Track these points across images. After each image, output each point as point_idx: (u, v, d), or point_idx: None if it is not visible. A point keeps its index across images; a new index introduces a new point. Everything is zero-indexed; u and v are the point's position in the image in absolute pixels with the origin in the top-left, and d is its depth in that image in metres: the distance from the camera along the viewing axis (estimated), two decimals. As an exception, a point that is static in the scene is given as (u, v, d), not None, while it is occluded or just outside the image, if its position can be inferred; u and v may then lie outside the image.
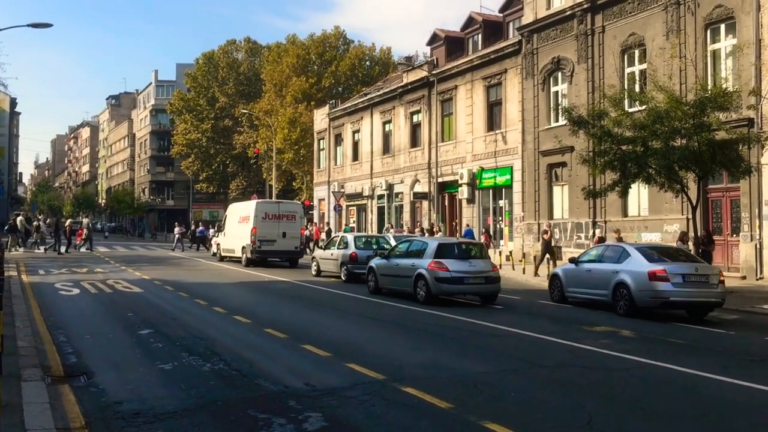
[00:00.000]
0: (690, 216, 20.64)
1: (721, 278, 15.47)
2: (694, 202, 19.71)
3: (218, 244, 34.69)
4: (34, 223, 42.19)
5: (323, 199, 50.87)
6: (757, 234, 21.82)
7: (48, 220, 40.82)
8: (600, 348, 11.24)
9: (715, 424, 7.19)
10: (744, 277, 21.81)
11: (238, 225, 31.06)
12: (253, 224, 29.32)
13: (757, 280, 21.31)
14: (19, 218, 40.32)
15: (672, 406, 7.83)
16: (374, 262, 19.69)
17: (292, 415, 7.16)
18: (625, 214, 27.00)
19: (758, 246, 21.80)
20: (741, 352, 11.11)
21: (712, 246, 20.52)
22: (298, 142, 55.30)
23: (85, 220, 44.25)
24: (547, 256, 25.50)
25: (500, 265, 27.61)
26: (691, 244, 20.25)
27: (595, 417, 7.20)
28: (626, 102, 21.76)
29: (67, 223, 42.48)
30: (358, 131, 46.68)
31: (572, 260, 18.11)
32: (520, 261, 27.07)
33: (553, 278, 18.46)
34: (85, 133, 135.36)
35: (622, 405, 7.94)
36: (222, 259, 33.14)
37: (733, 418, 7.37)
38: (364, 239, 24.83)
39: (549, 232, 26.80)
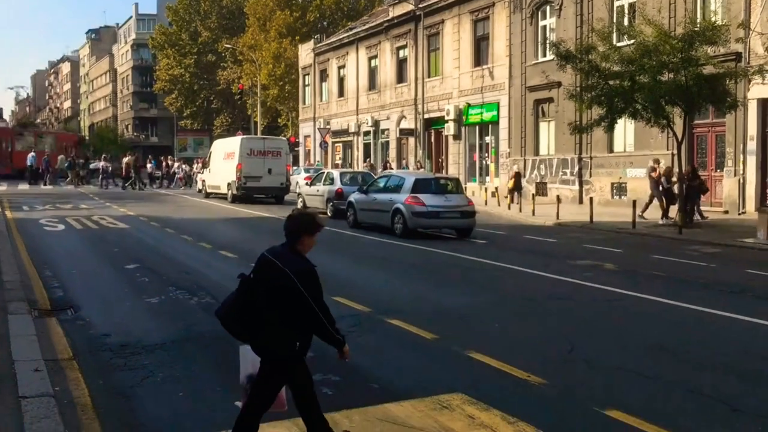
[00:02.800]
0: (675, 151, 20.68)
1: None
2: (680, 138, 19.71)
3: (203, 181, 34.53)
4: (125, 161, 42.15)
5: (309, 136, 50.50)
6: (741, 169, 21.96)
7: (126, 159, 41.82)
8: (584, 281, 11.39)
9: (693, 352, 7.36)
10: (726, 212, 22.04)
11: (224, 161, 30.83)
12: (238, 161, 29.10)
13: (739, 214, 21.54)
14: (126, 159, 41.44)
15: (652, 336, 7.99)
16: (353, 197, 20.00)
17: (279, 346, 7.24)
18: (610, 150, 27.03)
19: (741, 181, 21.97)
20: (722, 284, 11.30)
21: (696, 181, 20.62)
22: (283, 77, 54.53)
23: (126, 159, 44.20)
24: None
25: (486, 201, 27.83)
26: (675, 179, 20.34)
27: (577, 346, 7.35)
28: (614, 36, 21.48)
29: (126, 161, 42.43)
30: (343, 67, 46.03)
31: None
32: (506, 197, 27.18)
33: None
34: (66, 68, 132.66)
35: (603, 335, 8.10)
36: (207, 195, 33.02)
37: (712, 347, 7.54)
38: (350, 175, 24.79)
39: (518, 171, 28.48)
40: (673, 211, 19.91)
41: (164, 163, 47.00)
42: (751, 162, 21.66)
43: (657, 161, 21.59)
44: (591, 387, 6.09)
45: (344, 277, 11.74)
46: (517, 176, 28.34)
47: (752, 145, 21.62)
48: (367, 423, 5.19)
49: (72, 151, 52.14)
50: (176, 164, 46.58)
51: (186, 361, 6.77)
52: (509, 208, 25.68)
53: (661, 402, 5.75)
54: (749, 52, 21.12)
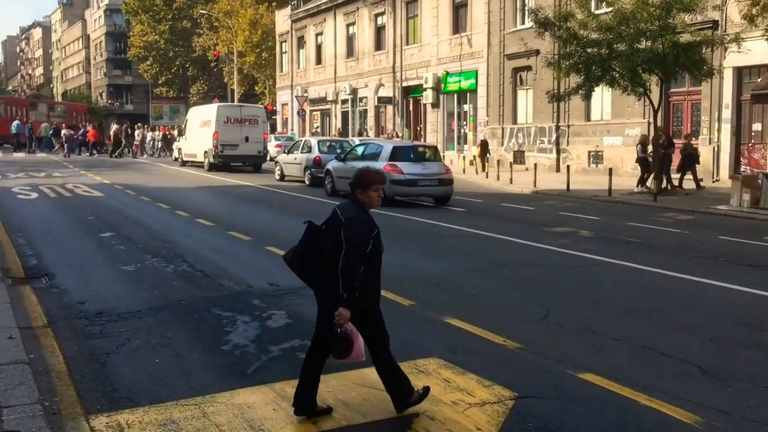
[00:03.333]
0: (651, 120, 20.80)
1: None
2: (656, 106, 19.82)
3: (180, 149, 34.18)
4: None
5: (286, 104, 50.06)
6: (716, 137, 22.16)
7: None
8: (560, 248, 11.50)
9: (665, 316, 7.47)
10: (701, 179, 22.22)
11: (200, 129, 30.52)
12: (214, 128, 28.82)
13: (713, 182, 21.79)
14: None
15: (625, 301, 8.10)
16: (331, 165, 19.94)
17: (256, 313, 7.26)
18: (588, 118, 27.12)
19: (716, 149, 22.19)
20: (694, 250, 11.46)
21: (671, 149, 20.78)
22: (260, 45, 53.81)
23: (114, 127, 43.91)
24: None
25: (464, 169, 27.87)
26: (651, 147, 20.47)
27: (551, 311, 7.43)
28: (593, 3, 21.43)
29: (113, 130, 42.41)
30: (321, 34, 45.50)
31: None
32: (471, 164, 27.22)
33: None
34: (37, 34, 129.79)
35: (578, 300, 8.19)
36: (184, 163, 32.72)
37: (683, 311, 7.66)
38: (328, 143, 24.66)
39: (484, 139, 29.52)
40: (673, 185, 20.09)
41: (138, 131, 46.29)
42: (726, 130, 21.86)
43: (662, 129, 21.39)
44: (565, 351, 6.17)
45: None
46: (484, 144, 29.20)
47: (727, 113, 21.80)
48: (344, 387, 5.22)
49: (82, 121, 51.75)
50: (137, 131, 45.73)
51: (162, 328, 6.75)
52: (486, 176, 25.73)
53: (633, 364, 5.84)
54: (726, 20, 21.18)
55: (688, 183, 20.65)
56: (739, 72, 21.56)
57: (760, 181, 16.49)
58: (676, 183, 20.56)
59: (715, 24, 21.30)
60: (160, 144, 42.99)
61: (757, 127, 21.64)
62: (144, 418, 4.66)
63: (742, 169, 21.30)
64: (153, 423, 4.58)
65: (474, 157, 29.68)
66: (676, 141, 21.59)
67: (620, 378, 5.41)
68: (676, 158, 21.11)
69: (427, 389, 4.88)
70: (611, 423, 4.69)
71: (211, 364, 5.84)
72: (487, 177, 25.49)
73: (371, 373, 5.49)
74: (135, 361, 5.83)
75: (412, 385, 4.80)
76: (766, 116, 21.10)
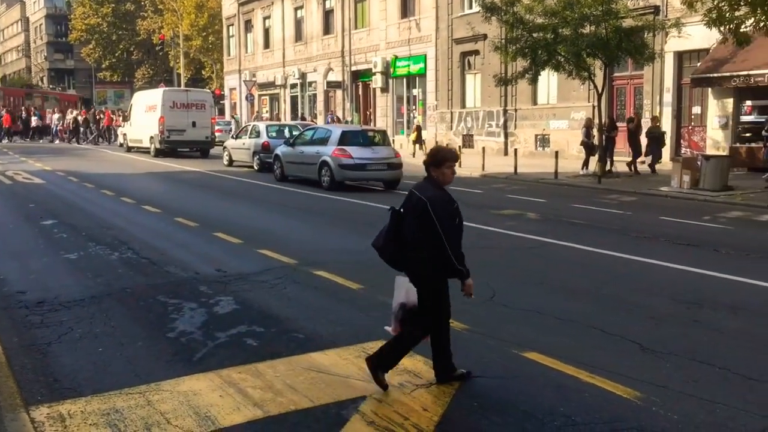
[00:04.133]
0: (596, 103, 21.16)
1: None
2: (600, 90, 20.17)
3: (125, 135, 33.46)
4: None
5: (234, 89, 49.39)
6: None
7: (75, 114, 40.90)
8: (507, 230, 11.66)
9: (607, 295, 7.65)
10: (643, 162, 22.72)
11: (145, 114, 29.89)
12: (160, 113, 28.26)
13: (657, 164, 22.26)
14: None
15: (570, 281, 8.26)
16: (280, 150, 19.81)
17: (203, 300, 7.19)
18: (534, 102, 27.45)
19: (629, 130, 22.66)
20: (636, 231, 11.74)
21: (615, 132, 21.21)
22: (207, 28, 52.97)
23: (74, 113, 42.58)
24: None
25: (414, 153, 27.95)
26: (595, 130, 20.86)
27: (498, 293, 7.53)
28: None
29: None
30: (268, 17, 44.94)
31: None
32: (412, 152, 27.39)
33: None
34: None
35: (523, 281, 8.33)
36: (129, 149, 32.06)
37: (625, 289, 7.84)
38: (276, 128, 24.46)
39: (419, 125, 30.44)
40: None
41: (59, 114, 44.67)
42: (667, 113, 22.38)
43: (634, 113, 21.59)
44: (511, 331, 6.27)
45: (270, 230, 11.68)
46: (419, 129, 29.91)
47: (668, 96, 22.33)
48: (291, 372, 5.22)
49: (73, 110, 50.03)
50: (55, 116, 44.18)
51: (106, 316, 6.63)
52: (412, 156, 25.80)
53: (576, 343, 5.97)
54: (667, 5, 21.63)
55: (625, 167, 21.09)
56: (680, 56, 22.07)
57: (699, 163, 16.95)
58: (644, 165, 20.73)
59: (656, 9, 21.74)
60: (92, 128, 41.52)
61: (696, 110, 22.23)
62: (86, 407, 4.58)
63: (682, 152, 21.88)
64: (96, 412, 4.51)
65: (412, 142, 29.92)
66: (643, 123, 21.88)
67: (564, 356, 5.53)
68: (628, 142, 21.48)
69: (468, 373, 5.12)
70: (554, 400, 4.79)
71: (157, 351, 5.77)
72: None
73: (319, 357, 5.53)
74: (77, 351, 5.72)
75: (454, 366, 5.10)
76: (706, 100, 21.67)
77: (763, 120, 18.88)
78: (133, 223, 12.11)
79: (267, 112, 45.48)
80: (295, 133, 21.79)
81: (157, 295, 7.36)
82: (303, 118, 37.97)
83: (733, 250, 10.10)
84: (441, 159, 4.93)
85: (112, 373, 5.23)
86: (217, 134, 31.89)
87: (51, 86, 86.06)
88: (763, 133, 18.06)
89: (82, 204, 14.55)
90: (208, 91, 37.74)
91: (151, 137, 29.03)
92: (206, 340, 6.01)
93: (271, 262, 8.88)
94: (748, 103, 20.66)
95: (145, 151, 30.11)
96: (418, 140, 28.99)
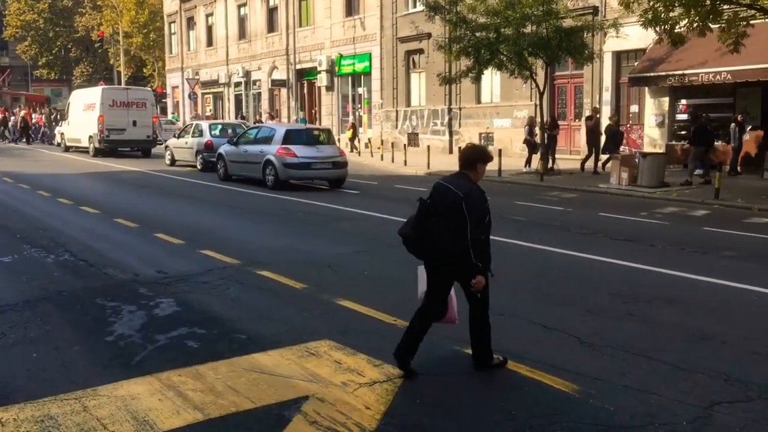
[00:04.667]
0: (538, 102, 21.50)
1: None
2: (542, 89, 20.51)
3: (62, 134, 32.58)
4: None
5: (177, 87, 48.61)
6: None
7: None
8: (450, 227, 11.73)
9: (547, 290, 7.78)
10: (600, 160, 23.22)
11: (83, 113, 29.16)
12: (99, 112, 27.61)
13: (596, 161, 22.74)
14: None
15: (511, 277, 8.33)
16: (223, 149, 19.63)
17: (142, 302, 7.05)
18: (478, 100, 27.74)
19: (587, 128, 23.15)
20: (576, 227, 11.98)
21: (556, 130, 21.59)
22: (147, 25, 51.94)
23: (23, 112, 41.03)
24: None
25: (359, 152, 27.97)
26: (537, 128, 21.20)
27: (441, 290, 7.58)
28: (481, -12, 21.87)
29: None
30: (211, 15, 44.33)
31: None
32: (379, 148, 27.41)
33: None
34: None
35: (467, 278, 8.39)
36: (67, 149, 31.24)
37: (565, 284, 7.99)
38: (220, 127, 24.17)
39: (354, 122, 31.39)
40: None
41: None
42: (606, 111, 22.84)
43: (593, 110, 21.54)
44: (453, 327, 6.31)
45: (213, 230, 11.53)
46: (354, 127, 30.61)
47: (607, 95, 22.84)
48: (233, 374, 5.16)
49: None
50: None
51: (41, 321, 6.45)
52: (381, 159, 25.92)
53: (516, 338, 6.06)
54: (605, 6, 22.12)
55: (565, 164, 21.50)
56: (618, 56, 22.60)
57: (637, 160, 17.38)
58: (598, 164, 20.73)
59: (595, 10, 22.20)
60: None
61: (634, 108, 22.78)
62: (19, 415, 4.45)
63: (621, 149, 22.36)
64: (29, 420, 4.38)
65: (369, 140, 29.92)
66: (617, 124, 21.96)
67: (504, 351, 5.59)
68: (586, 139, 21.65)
69: (506, 359, 5.37)
70: (494, 395, 4.86)
71: (94, 356, 5.64)
72: (385, 159, 25.68)
73: (262, 358, 5.49)
74: (10, 357, 5.55)
75: (492, 351, 5.36)
76: (643, 98, 22.23)
77: (685, 118, 19.46)
78: (71, 225, 11.80)
79: (211, 110, 44.88)
80: (239, 131, 21.57)
81: (95, 298, 7.19)
82: (243, 118, 37.70)
83: (668, 244, 10.39)
84: (475, 159, 5.23)
85: (46, 379, 5.09)
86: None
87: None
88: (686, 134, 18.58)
89: (17, 205, 14.12)
90: (149, 89, 37.02)
91: (90, 136, 28.34)
92: (145, 343, 5.90)
93: (214, 263, 8.77)
94: (683, 101, 21.27)
95: (83, 150, 29.38)
96: (354, 138, 29.35)
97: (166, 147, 25.60)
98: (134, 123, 28.11)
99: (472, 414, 4.56)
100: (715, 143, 18.90)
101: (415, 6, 28.96)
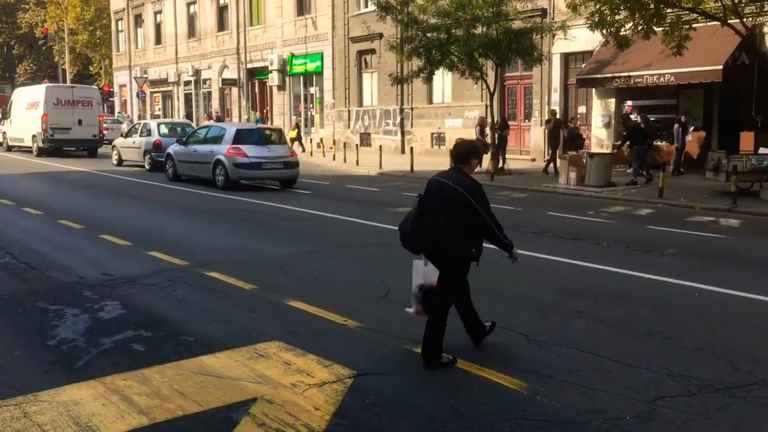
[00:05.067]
0: (488, 102, 21.72)
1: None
2: (492, 89, 20.72)
3: (4, 133, 31.69)
4: None
5: (125, 85, 47.71)
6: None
7: None
8: (401, 227, 11.75)
9: (495, 288, 7.85)
10: (533, 159, 23.59)
11: (26, 111, 28.41)
12: (43, 110, 26.93)
13: (544, 161, 23.09)
14: None
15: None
16: (172, 149, 19.36)
17: (87, 305, 6.89)
18: (430, 101, 27.89)
19: (546, 131, 23.51)
20: (525, 226, 12.11)
21: (506, 131, 21.84)
22: (94, 22, 50.90)
23: None
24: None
25: (311, 152, 27.86)
26: (488, 129, 21.41)
27: (393, 290, 7.59)
28: (432, -11, 21.99)
29: None
30: (160, 12, 43.62)
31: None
32: (331, 148, 27.34)
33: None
34: None
35: (417, 278, 8.42)
36: (9, 149, 30.41)
37: (514, 283, 8.06)
38: (169, 126, 23.78)
39: (298, 122, 31.52)
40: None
41: None
42: (556, 113, 23.19)
43: (551, 113, 21.57)
44: (403, 327, 6.32)
45: (161, 231, 11.34)
46: (298, 126, 30.71)
47: (556, 96, 23.20)
48: (180, 377, 5.07)
49: None
50: None
51: (-21, 326, 6.25)
52: (333, 158, 25.85)
53: (466, 337, 6.08)
54: (553, 8, 22.46)
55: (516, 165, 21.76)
56: (566, 58, 22.97)
57: (585, 160, 17.70)
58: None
59: (543, 12, 22.52)
60: None
61: (582, 109, 23.19)
62: (-45, 423, 4.30)
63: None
64: (-35, 428, 4.24)
65: (322, 140, 29.84)
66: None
67: (455, 350, 5.62)
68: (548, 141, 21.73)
69: (494, 324, 5.84)
70: (444, 393, 4.87)
71: (35, 360, 5.48)
72: (337, 159, 25.62)
73: (210, 360, 5.41)
74: (-54, 363, 5.36)
75: (484, 325, 5.76)
76: (590, 100, 22.65)
77: (635, 118, 19.90)
78: (12, 226, 11.48)
79: (160, 109, 44.19)
80: (188, 131, 21.28)
81: (37, 301, 7.00)
82: (189, 117, 37.32)
83: (614, 242, 10.60)
84: (467, 155, 5.48)
85: (-16, 386, 4.92)
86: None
87: None
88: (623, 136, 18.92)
89: (-44, 207, 13.68)
90: (95, 87, 36.24)
91: (34, 136, 27.62)
92: (89, 347, 5.76)
93: (161, 264, 8.62)
94: (629, 103, 21.73)
95: (27, 150, 28.63)
96: (298, 138, 29.49)
97: (113, 147, 25.09)
98: (80, 122, 27.49)
99: (421, 413, 4.57)
100: (659, 143, 19.35)
101: (366, 6, 28.97)
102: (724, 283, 7.92)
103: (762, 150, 16.85)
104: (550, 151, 20.92)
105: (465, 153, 5.48)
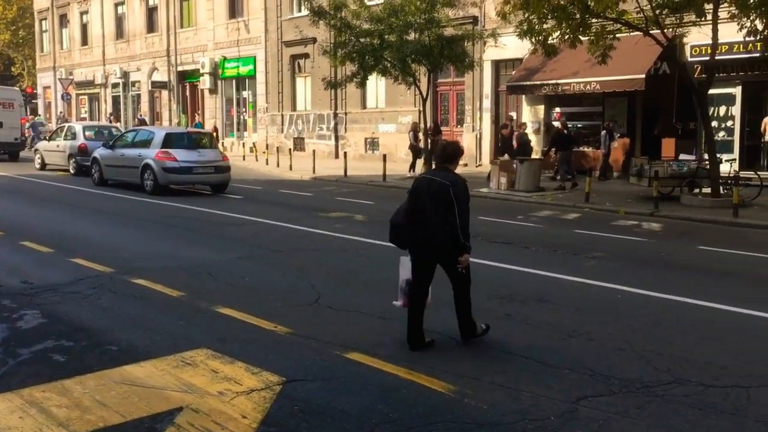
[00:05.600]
0: (421, 108, 21.92)
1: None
2: (425, 95, 20.92)
3: None
4: None
5: (49, 87, 46.22)
6: (478, 125, 23.90)
7: None
8: (334, 232, 11.75)
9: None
10: (466, 165, 23.82)
11: (-58, 114, 27.19)
12: (-39, 113, 25.84)
13: (476, 167, 23.48)
14: None
15: (392, 281, 8.39)
16: (98, 153, 18.89)
17: (5, 315, 6.63)
18: (364, 106, 27.96)
19: (478, 136, 23.93)
20: (457, 231, 12.25)
21: (439, 136, 22.06)
22: (16, 21, 49.13)
23: None
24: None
25: (244, 156, 27.54)
26: (421, 134, 21.60)
27: (323, 295, 7.57)
28: (365, -6, 22.08)
29: None
30: (86, 12, 42.45)
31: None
32: (264, 152, 27.09)
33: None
34: None
35: (348, 282, 8.44)
36: None
37: (445, 287, 8.09)
38: (95, 129, 23.15)
39: (216, 127, 31.43)
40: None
41: None
42: (486, 118, 23.65)
43: (508, 119, 21.49)
44: (334, 332, 6.32)
45: (85, 237, 11.03)
46: (216, 130, 30.81)
47: (487, 102, 23.60)
48: (103, 387, 4.93)
49: None
50: None
51: None
52: (267, 163, 25.62)
53: (396, 341, 6.11)
54: (484, 16, 22.84)
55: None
56: (497, 65, 23.39)
57: (515, 166, 18.03)
58: None
59: (475, 20, 22.89)
60: None
61: (512, 115, 23.60)
62: None
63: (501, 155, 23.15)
64: None
65: (254, 144, 29.55)
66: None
67: (384, 355, 5.65)
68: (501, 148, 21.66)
69: (488, 327, 6.14)
70: (373, 398, 4.88)
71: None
72: (270, 163, 25.39)
73: (134, 370, 5.28)
74: None
75: (476, 325, 6.07)
76: (520, 106, 23.11)
77: (570, 126, 20.43)
78: (-74, 233, 10.96)
79: (86, 112, 42.97)
80: (115, 134, 20.76)
81: (-41, 311, 6.70)
82: (111, 120, 36.50)
83: (542, 246, 10.83)
84: (455, 155, 6.03)
85: None
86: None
87: None
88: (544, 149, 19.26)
89: None
90: (16, 89, 34.96)
91: (-51, 139, 26.48)
92: (6, 358, 5.54)
93: (85, 272, 8.37)
94: (557, 109, 22.27)
95: (-58, 154, 27.40)
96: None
97: (36, 150, 24.27)
98: (0, 124, 26.47)
99: (350, 418, 4.56)
100: (586, 149, 19.87)
101: (300, 10, 28.88)
102: (645, 285, 8.19)
103: (682, 156, 17.55)
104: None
105: (453, 153, 6.04)
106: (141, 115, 36.12)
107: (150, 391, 4.89)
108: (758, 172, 16.49)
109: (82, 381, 5.04)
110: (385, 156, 21.22)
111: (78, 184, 18.92)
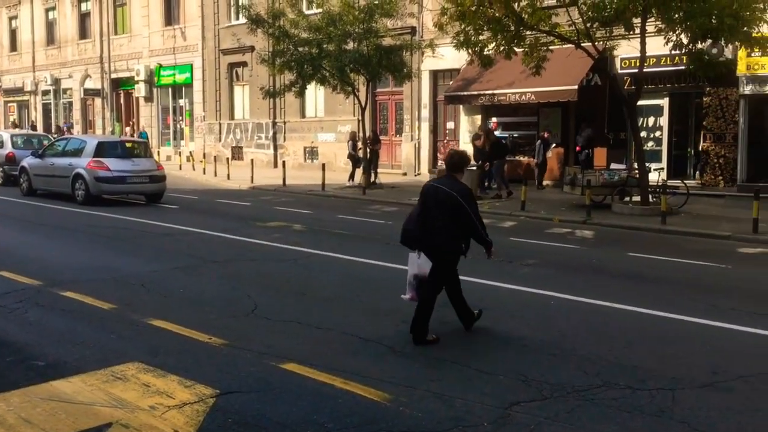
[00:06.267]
0: (360, 117, 21.97)
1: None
2: (364, 104, 20.99)
3: None
4: None
5: (-25, 94, 44.54)
6: (417, 134, 24.09)
7: None
8: (272, 242, 11.67)
9: (365, 302, 7.95)
10: (405, 174, 24.07)
11: None
12: None
13: (415, 175, 23.63)
14: None
15: (330, 290, 8.46)
16: (26, 162, 18.38)
17: (-76, 331, 6.36)
18: (303, 115, 27.87)
19: (417, 145, 24.12)
20: (395, 240, 12.23)
21: (378, 145, 22.17)
22: (-61, 25, 47.20)
23: None
24: None
25: (180, 165, 27.10)
26: (360, 143, 21.65)
27: (260, 305, 7.50)
28: (304, 4, 22.11)
29: None
30: (15, 18, 41.21)
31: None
32: (201, 162, 26.71)
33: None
34: None
35: (286, 292, 8.37)
36: None
37: (382, 297, 8.18)
38: (24, 138, 22.46)
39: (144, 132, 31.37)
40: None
41: None
42: (425, 128, 23.87)
43: (481, 129, 20.78)
44: (270, 343, 6.27)
45: (11, 249, 10.67)
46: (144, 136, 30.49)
47: (425, 112, 23.81)
48: (28, 404, 4.78)
49: None
50: None
51: None
52: (204, 172, 25.27)
53: (332, 350, 6.11)
54: (422, 27, 23.07)
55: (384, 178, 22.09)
56: (435, 75, 23.64)
57: (452, 175, 18.15)
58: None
59: (413, 30, 23.11)
60: None
61: (450, 125, 23.92)
62: None
63: (438, 164, 23.38)
64: None
65: (191, 153, 29.10)
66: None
67: (320, 365, 5.63)
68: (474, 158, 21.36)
69: (480, 312, 6.77)
70: (308, 408, 4.85)
71: None
72: (208, 173, 25.03)
73: (61, 385, 5.14)
74: None
75: (473, 311, 6.68)
76: (458, 116, 23.40)
77: (506, 135, 20.80)
78: None
79: (16, 120, 41.61)
80: (45, 143, 20.18)
81: None
82: (34, 128, 35.61)
83: (479, 254, 10.91)
84: (461, 164, 6.42)
85: None
86: None
87: None
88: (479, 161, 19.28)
89: None
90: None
91: None
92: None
93: (11, 285, 8.10)
94: (494, 119, 22.61)
95: None
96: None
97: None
98: None
99: (285, 429, 4.52)
100: (521, 159, 20.22)
101: (237, 18, 28.64)
102: (577, 292, 8.39)
103: (613, 165, 18.04)
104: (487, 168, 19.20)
105: (460, 162, 6.42)
106: (66, 123, 35.05)
107: (78, 407, 4.76)
108: (685, 181, 17.08)
109: (6, 398, 4.87)
110: (324, 165, 21.20)
111: (5, 194, 18.30)
